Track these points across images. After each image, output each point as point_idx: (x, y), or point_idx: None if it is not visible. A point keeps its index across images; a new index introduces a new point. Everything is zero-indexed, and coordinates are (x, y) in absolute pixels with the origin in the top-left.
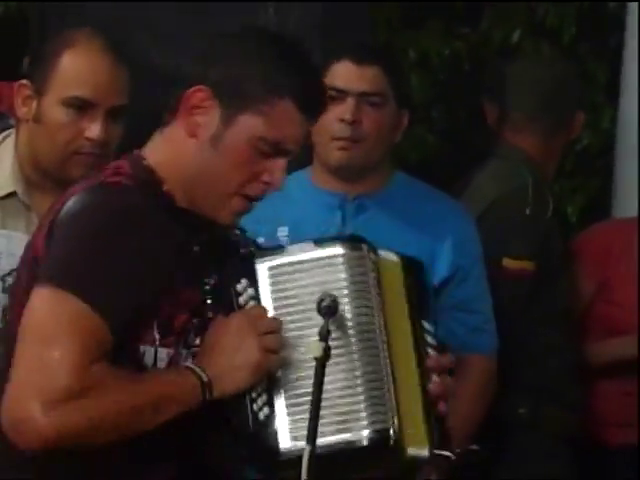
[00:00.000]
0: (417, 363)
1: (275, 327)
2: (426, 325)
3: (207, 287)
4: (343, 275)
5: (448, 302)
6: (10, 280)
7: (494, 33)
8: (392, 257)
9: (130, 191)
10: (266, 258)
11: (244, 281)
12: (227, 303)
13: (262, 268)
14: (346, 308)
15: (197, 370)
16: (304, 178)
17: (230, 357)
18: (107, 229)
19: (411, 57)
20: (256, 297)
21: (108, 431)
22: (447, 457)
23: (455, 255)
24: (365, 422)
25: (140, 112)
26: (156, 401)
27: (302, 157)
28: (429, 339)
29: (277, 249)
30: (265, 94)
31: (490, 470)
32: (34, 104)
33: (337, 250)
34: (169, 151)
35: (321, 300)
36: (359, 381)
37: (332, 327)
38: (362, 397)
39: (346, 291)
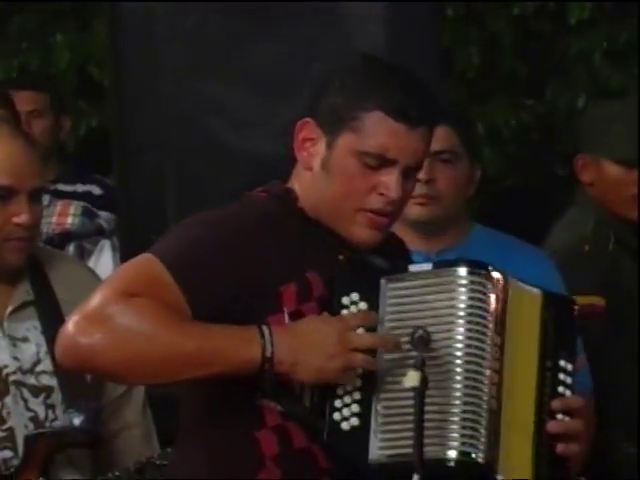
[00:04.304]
0: (537, 398)
1: (368, 344)
2: (562, 363)
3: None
4: (461, 297)
5: None
6: None
7: (559, 101)
8: (532, 290)
9: (262, 201)
10: (388, 276)
11: (355, 295)
12: (332, 314)
13: (383, 285)
14: (459, 330)
15: (263, 328)
16: None
17: (305, 349)
18: (219, 221)
19: (480, 131)
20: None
21: (134, 359)
22: None
23: None
24: (454, 443)
25: (220, 193)
26: (202, 342)
27: None
28: (564, 377)
29: (402, 269)
30: (354, 111)
31: None
32: None
33: (458, 272)
34: (296, 186)
35: (414, 332)
36: (456, 403)
37: (436, 350)
38: (456, 419)
39: (461, 313)
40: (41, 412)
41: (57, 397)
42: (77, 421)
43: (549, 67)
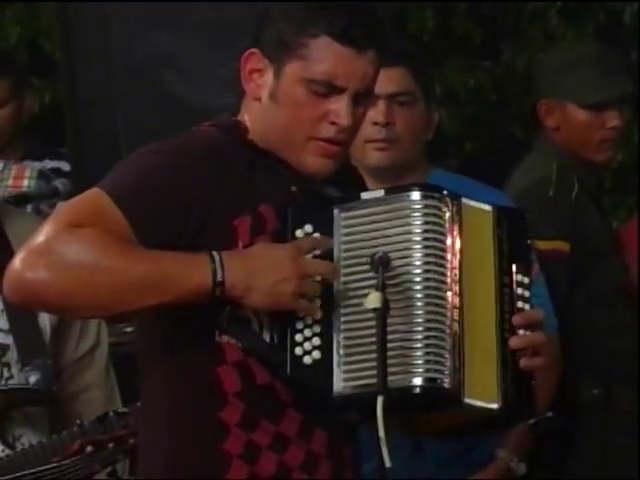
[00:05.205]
0: (498, 316)
1: (320, 271)
2: (519, 277)
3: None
4: (416, 222)
5: None
6: None
7: (516, 61)
8: (483, 206)
9: (211, 133)
10: (340, 206)
11: (308, 227)
12: None
13: (336, 215)
14: (416, 255)
15: (213, 253)
16: None
17: (257, 273)
18: (168, 151)
19: (438, 92)
20: None
21: (81, 291)
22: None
23: None
24: (419, 370)
25: None
26: (150, 268)
27: None
28: (522, 292)
29: (354, 198)
30: (300, 38)
31: (570, 443)
32: None
33: (412, 197)
34: (246, 118)
35: (373, 254)
36: (418, 329)
37: (395, 278)
38: (419, 345)
39: (418, 238)
40: None
41: (12, 355)
42: (33, 379)
43: (505, 28)
